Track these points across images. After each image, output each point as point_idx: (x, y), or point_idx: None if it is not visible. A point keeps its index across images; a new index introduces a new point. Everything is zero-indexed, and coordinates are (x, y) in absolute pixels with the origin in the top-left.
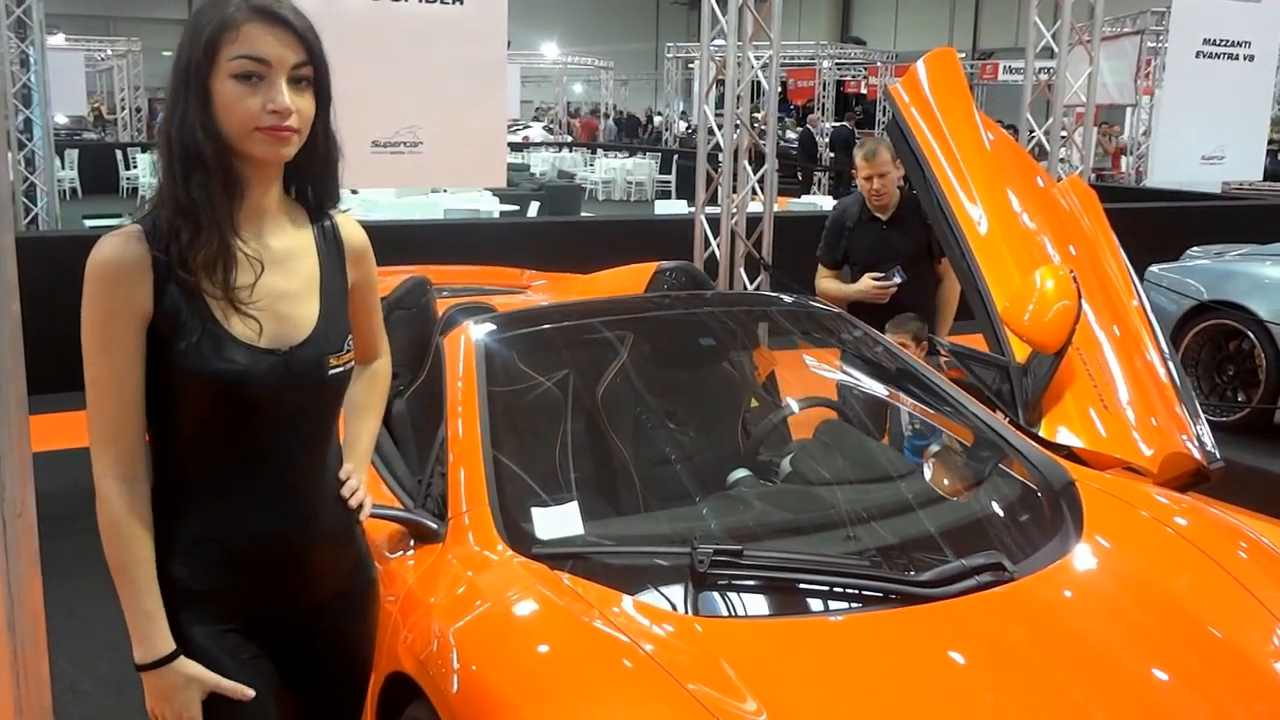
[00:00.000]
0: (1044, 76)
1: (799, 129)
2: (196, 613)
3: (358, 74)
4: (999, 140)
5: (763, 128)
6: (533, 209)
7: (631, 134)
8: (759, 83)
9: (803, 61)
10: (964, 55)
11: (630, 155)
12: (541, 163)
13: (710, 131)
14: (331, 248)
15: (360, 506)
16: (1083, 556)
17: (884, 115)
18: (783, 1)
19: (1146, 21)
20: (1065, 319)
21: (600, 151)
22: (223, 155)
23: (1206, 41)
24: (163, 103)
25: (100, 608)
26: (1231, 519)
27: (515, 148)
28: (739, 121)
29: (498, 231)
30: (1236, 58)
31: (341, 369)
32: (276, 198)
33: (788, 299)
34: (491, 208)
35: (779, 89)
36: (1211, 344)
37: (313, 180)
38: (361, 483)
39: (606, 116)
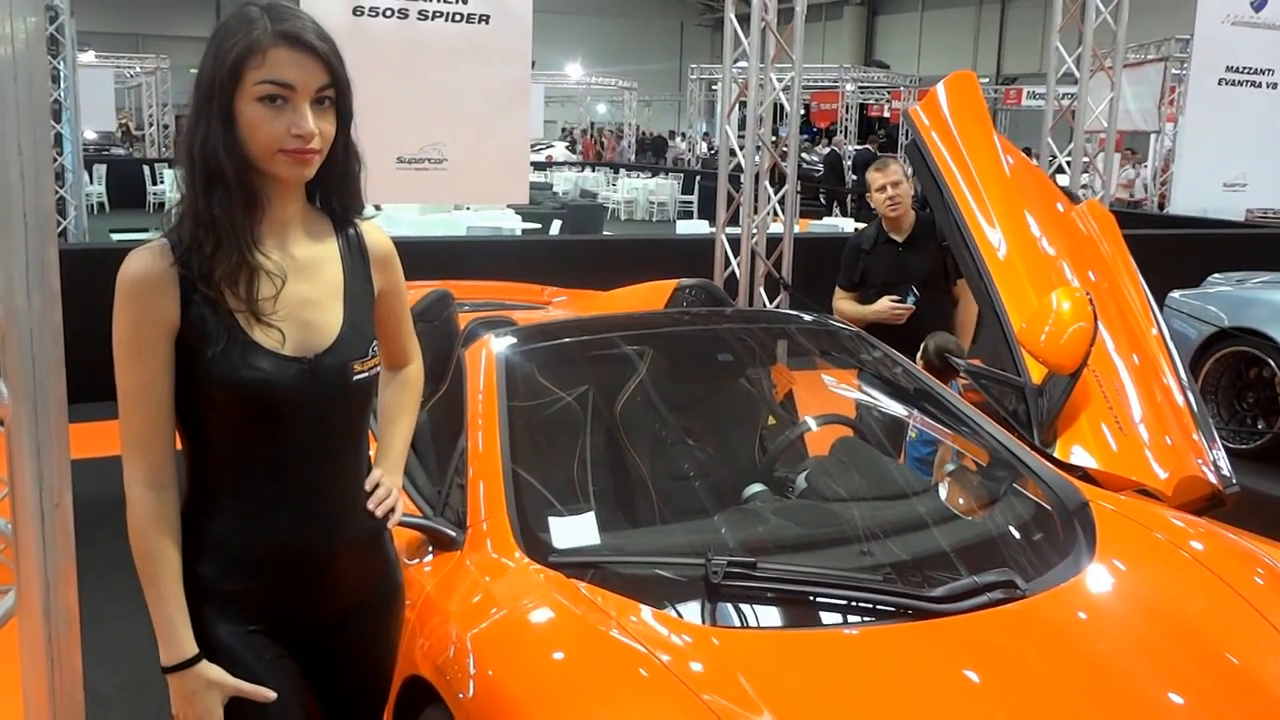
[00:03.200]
0: (1066, 102)
1: (826, 151)
2: (222, 612)
3: (384, 91)
4: (1018, 164)
5: (784, 149)
6: (554, 227)
7: (659, 154)
8: (782, 104)
9: (826, 85)
10: (987, 80)
11: (653, 175)
12: (564, 182)
13: (732, 152)
14: (356, 255)
15: (391, 512)
16: (1095, 576)
17: (905, 138)
18: (806, 24)
19: (1171, 49)
20: (1081, 340)
21: (623, 172)
22: (244, 174)
23: (1229, 69)
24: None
25: (125, 613)
26: (1249, 545)
27: (538, 167)
28: (760, 142)
29: (519, 248)
30: (1259, 85)
31: (366, 374)
32: (299, 209)
33: (807, 317)
34: (514, 226)
35: (801, 111)
36: (1232, 371)
37: (334, 191)
38: (392, 489)
39: (621, 137)
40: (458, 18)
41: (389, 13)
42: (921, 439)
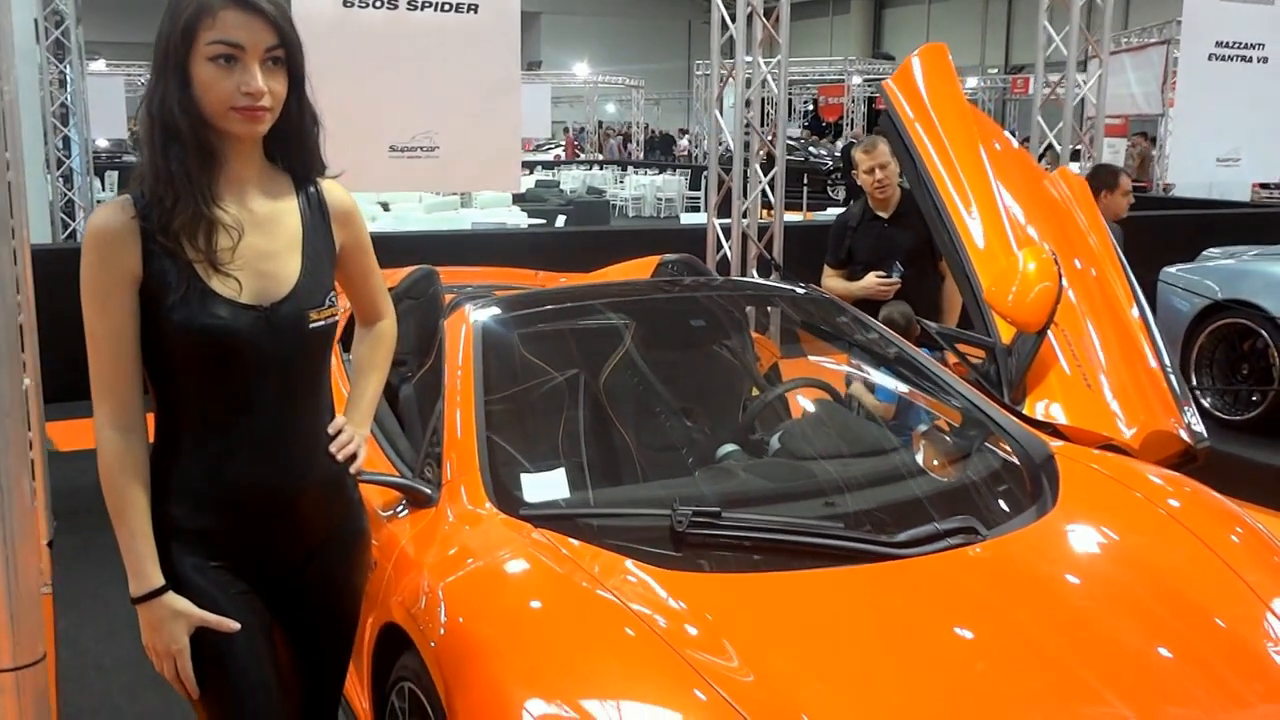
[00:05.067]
0: (1075, 89)
1: (842, 144)
2: (189, 549)
3: (376, 81)
4: (990, 133)
5: (773, 133)
6: (559, 223)
7: (665, 151)
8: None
9: (833, 78)
10: (996, 70)
11: (660, 172)
12: (572, 180)
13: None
14: (316, 211)
15: (354, 458)
16: (1056, 522)
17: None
18: (813, 20)
19: (1173, 31)
20: (1046, 299)
21: (630, 169)
22: (198, 131)
23: (1219, 44)
24: None
25: (124, 593)
26: (1230, 505)
27: (546, 166)
28: (750, 126)
29: (523, 240)
30: (1250, 60)
31: (323, 323)
32: (257, 166)
33: (783, 286)
34: (519, 222)
35: (809, 103)
36: (1226, 343)
37: (291, 150)
38: (356, 437)
39: (609, 136)
40: (446, 7)
41: (379, 3)
42: (892, 397)
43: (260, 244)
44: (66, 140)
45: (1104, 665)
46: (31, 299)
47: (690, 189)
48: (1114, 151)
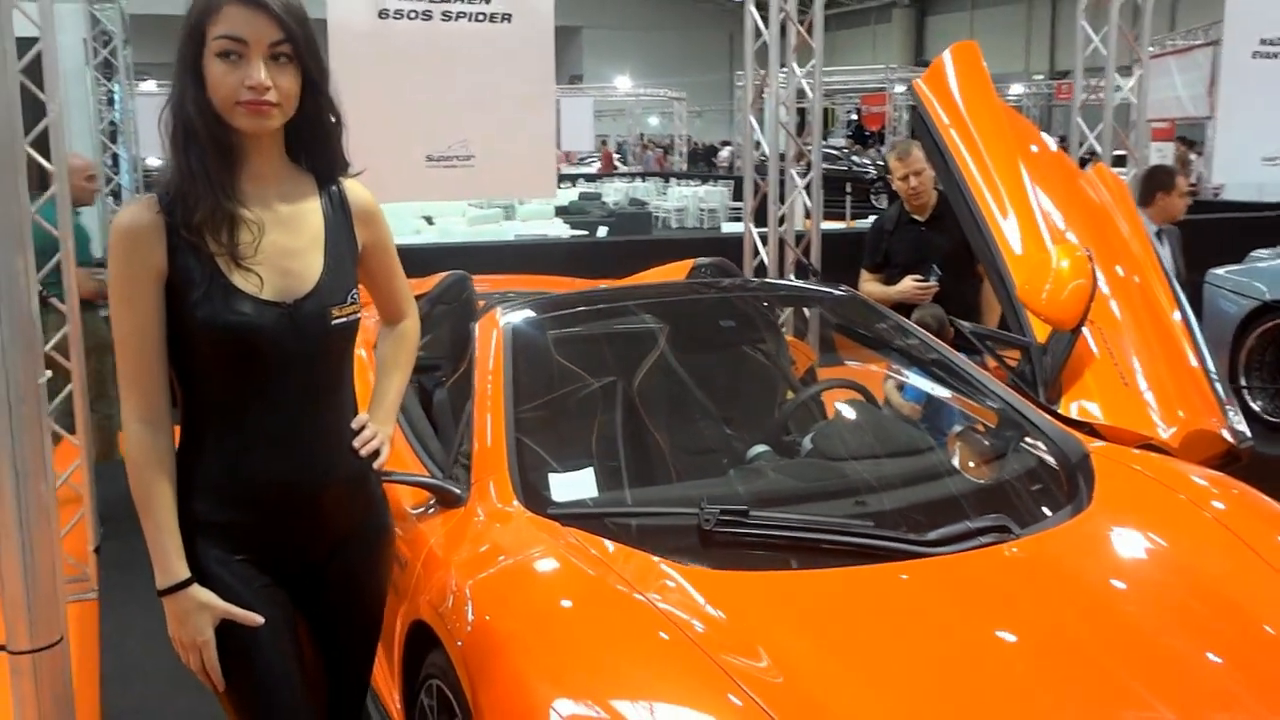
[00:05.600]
0: (1118, 93)
1: (885, 148)
2: (213, 543)
3: (411, 91)
4: (1023, 132)
5: (808, 139)
6: (600, 233)
7: (708, 163)
8: (829, 110)
9: (875, 87)
10: (1041, 76)
11: (703, 183)
12: (615, 193)
13: (759, 145)
14: (338, 209)
15: (376, 455)
16: (1090, 520)
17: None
18: (854, 29)
19: (1220, 32)
20: (1081, 297)
21: (673, 181)
22: (213, 128)
23: (1263, 42)
24: None
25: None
26: (1277, 507)
27: (589, 179)
28: (785, 129)
29: (563, 250)
30: None
31: (345, 320)
32: (278, 165)
33: (817, 288)
34: (561, 233)
35: (852, 113)
36: (1275, 345)
37: (312, 150)
38: (380, 435)
39: (647, 148)
40: (480, 17)
41: (413, 14)
42: (920, 396)
43: (283, 241)
44: (115, 158)
45: (1138, 664)
46: (76, 306)
47: (733, 199)
48: (1161, 155)
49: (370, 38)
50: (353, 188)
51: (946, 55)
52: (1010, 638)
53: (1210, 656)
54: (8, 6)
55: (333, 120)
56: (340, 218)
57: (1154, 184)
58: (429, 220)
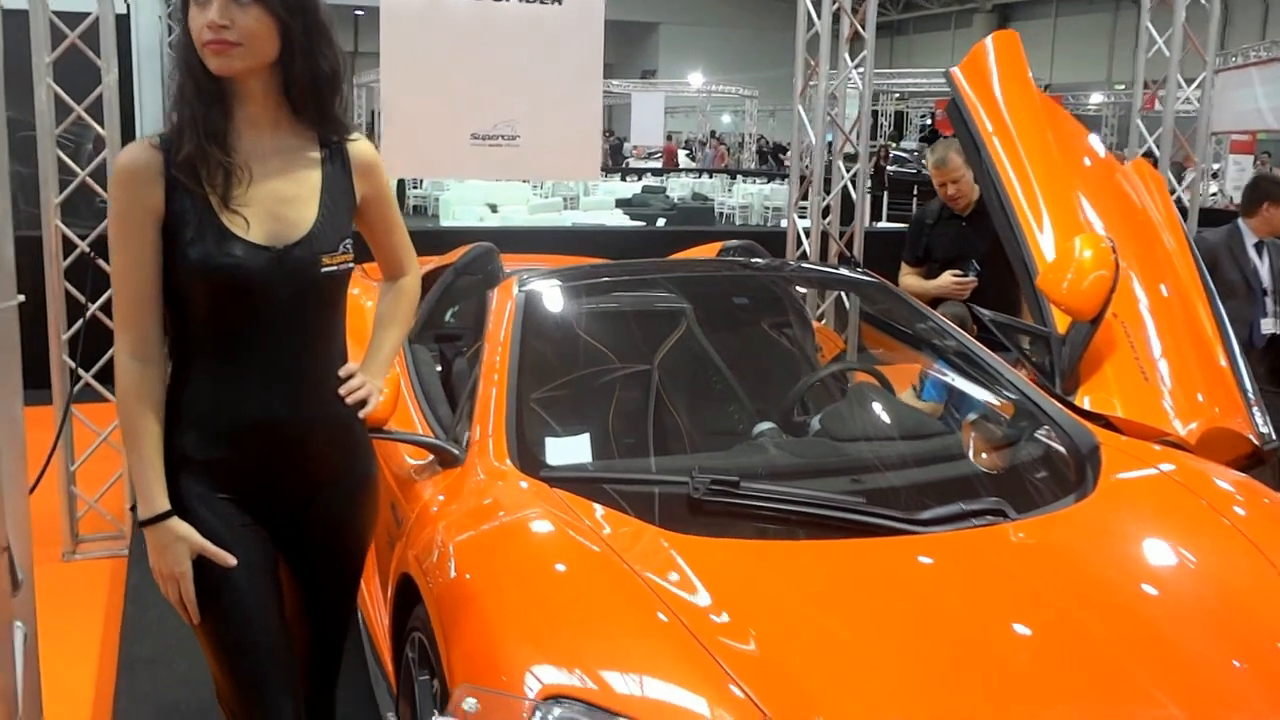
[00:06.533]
0: (1184, 103)
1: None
2: (196, 479)
3: (460, 70)
4: (1062, 125)
5: (858, 131)
6: (659, 224)
7: (777, 162)
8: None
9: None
10: (1123, 86)
11: (769, 180)
12: (680, 188)
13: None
14: (337, 161)
15: (363, 404)
16: (1089, 507)
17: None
18: (934, 33)
19: None
20: (1101, 287)
21: (739, 177)
22: (196, 72)
23: None
24: None
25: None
26: None
27: (656, 173)
28: (831, 120)
29: (617, 237)
30: None
31: (336, 268)
32: (275, 113)
33: (842, 272)
34: (620, 224)
35: (926, 116)
36: None
37: (308, 104)
38: (368, 385)
39: (704, 144)
40: None
41: None
42: (938, 395)
43: (279, 189)
44: None
45: (1132, 645)
46: None
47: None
48: (1240, 169)
49: (421, 15)
50: (355, 143)
51: (987, 42)
52: (998, 616)
53: (1207, 646)
54: None
55: (328, 71)
56: (339, 170)
57: (1260, 194)
58: (493, 208)
